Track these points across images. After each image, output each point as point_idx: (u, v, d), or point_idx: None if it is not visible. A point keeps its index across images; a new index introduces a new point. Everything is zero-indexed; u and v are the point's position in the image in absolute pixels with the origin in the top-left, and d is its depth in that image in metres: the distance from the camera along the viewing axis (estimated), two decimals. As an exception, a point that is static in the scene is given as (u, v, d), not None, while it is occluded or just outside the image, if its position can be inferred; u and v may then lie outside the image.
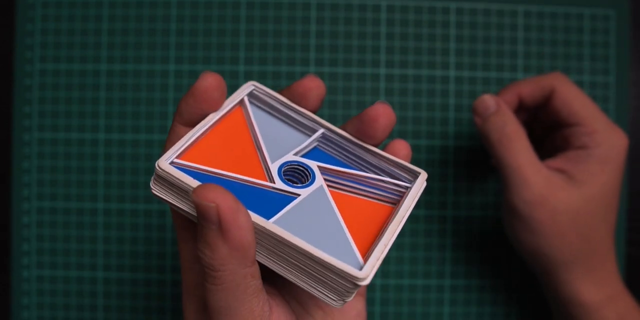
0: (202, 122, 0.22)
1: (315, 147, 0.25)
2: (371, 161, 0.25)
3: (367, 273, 0.20)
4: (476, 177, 0.41)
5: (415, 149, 0.41)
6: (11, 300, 0.40)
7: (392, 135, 0.40)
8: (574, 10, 0.41)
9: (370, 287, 0.40)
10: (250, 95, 0.25)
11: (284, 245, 0.20)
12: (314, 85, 0.24)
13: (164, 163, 0.21)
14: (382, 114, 0.23)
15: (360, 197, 0.24)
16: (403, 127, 0.40)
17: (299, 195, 0.23)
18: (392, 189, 0.24)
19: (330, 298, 0.21)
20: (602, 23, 0.41)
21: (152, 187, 0.22)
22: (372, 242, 0.22)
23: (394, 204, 0.24)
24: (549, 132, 0.36)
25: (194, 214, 0.21)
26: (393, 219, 0.22)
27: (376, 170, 0.25)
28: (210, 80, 0.22)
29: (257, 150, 0.24)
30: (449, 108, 0.40)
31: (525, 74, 0.40)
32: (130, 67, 0.40)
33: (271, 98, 0.25)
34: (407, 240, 0.40)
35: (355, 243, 0.22)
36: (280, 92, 0.25)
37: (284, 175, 0.24)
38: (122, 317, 0.40)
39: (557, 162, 0.33)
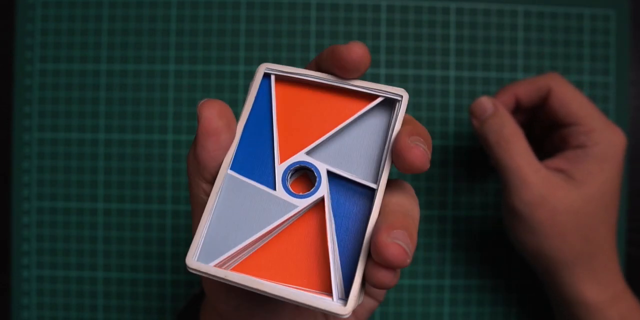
0: (322, 74, 0.21)
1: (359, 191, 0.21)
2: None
3: (193, 265, 0.19)
4: (476, 177, 0.41)
5: (415, 149, 0.40)
6: (11, 300, 0.40)
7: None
8: (574, 10, 0.41)
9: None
10: (392, 101, 0.21)
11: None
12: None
13: (262, 67, 0.22)
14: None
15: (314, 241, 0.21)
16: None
17: (274, 190, 0.21)
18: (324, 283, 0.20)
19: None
20: (602, 23, 0.41)
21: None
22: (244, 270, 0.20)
23: (325, 292, 0.20)
24: (548, 132, 0.36)
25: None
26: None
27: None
28: (357, 51, 0.20)
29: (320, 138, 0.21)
30: (449, 108, 0.40)
31: (525, 74, 0.40)
32: (130, 67, 0.40)
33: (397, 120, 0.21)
34: (407, 240, 0.40)
35: (227, 257, 0.20)
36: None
37: (295, 171, 0.21)
38: (122, 317, 0.40)
39: (556, 162, 0.33)
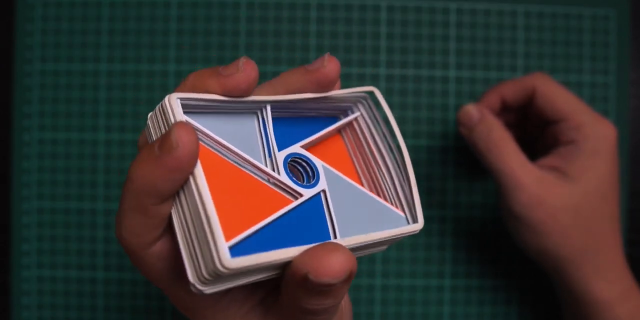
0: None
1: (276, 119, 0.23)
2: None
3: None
4: (476, 177, 0.41)
5: (415, 149, 0.41)
6: (11, 300, 0.40)
7: (392, 135, 0.40)
8: (574, 10, 0.41)
9: (370, 287, 0.40)
10: (184, 106, 0.20)
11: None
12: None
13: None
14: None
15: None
16: (403, 127, 0.40)
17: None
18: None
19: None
20: (602, 23, 0.41)
21: None
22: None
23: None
24: (539, 131, 0.36)
25: None
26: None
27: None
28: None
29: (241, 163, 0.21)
30: (449, 108, 0.40)
31: (526, 74, 0.40)
32: (130, 67, 0.40)
33: (203, 100, 0.20)
34: (407, 241, 0.40)
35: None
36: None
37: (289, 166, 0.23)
38: (122, 317, 0.40)
39: (550, 160, 0.33)
